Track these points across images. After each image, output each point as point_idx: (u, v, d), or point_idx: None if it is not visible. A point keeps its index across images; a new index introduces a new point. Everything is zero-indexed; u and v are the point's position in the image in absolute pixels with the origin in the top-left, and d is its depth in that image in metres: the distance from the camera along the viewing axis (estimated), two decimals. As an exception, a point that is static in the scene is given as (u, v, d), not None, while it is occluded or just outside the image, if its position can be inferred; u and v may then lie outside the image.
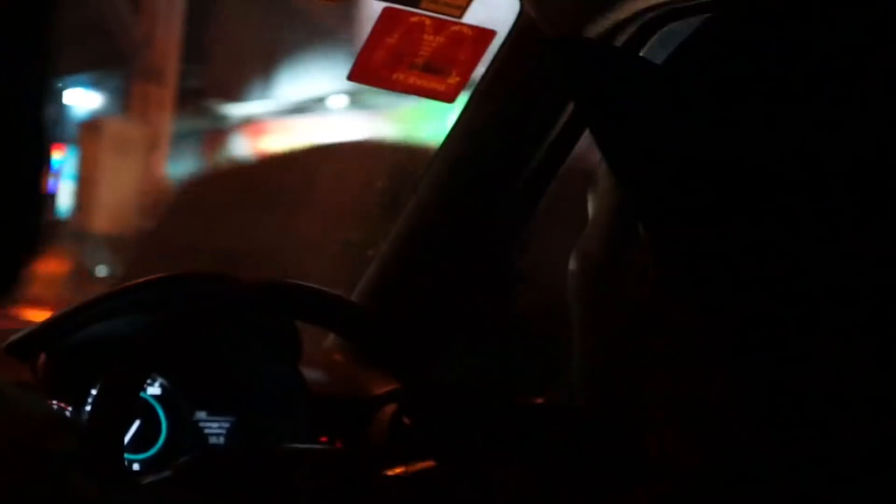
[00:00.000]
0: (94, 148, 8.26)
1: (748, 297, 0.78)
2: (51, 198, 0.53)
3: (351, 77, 1.61)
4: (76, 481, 0.55)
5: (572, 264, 0.91)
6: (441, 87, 1.64)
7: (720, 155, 0.78)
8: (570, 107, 1.71)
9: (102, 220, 7.79)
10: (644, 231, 0.82)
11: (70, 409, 1.58)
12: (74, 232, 7.57)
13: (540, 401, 1.95)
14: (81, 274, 6.97)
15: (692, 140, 0.79)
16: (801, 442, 0.79)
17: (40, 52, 0.52)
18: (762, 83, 0.79)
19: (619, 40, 1.52)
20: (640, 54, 0.90)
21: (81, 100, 8.58)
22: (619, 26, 1.45)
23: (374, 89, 1.66)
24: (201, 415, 1.73)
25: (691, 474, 0.80)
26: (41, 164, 0.51)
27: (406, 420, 1.75)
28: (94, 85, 8.68)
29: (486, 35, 1.60)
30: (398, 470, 1.54)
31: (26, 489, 0.53)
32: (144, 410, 1.68)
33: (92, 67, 8.02)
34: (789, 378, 0.79)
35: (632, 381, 0.87)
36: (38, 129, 0.52)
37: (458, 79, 1.63)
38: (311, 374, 1.77)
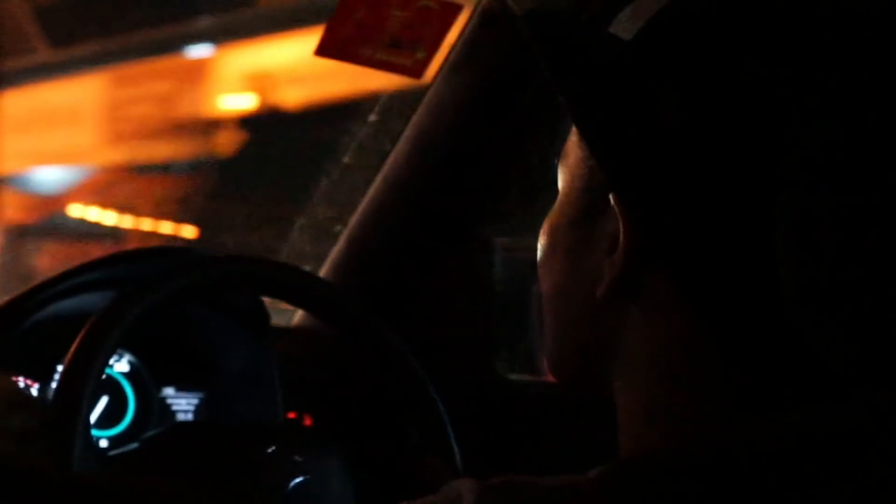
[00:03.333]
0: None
1: (722, 271, 0.79)
2: None
3: (318, 52, 1.60)
4: (36, 457, 0.54)
5: (542, 233, 0.91)
6: (408, 63, 1.64)
7: (687, 125, 0.78)
8: (538, 82, 1.71)
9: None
10: (616, 201, 0.82)
11: (37, 385, 1.58)
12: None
13: (513, 375, 1.95)
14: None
15: (661, 112, 0.79)
16: (774, 418, 0.79)
17: None
18: (729, 55, 0.79)
19: (586, 15, 1.52)
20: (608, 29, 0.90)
21: None
22: (587, 1, 1.45)
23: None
24: (169, 391, 1.73)
25: (658, 451, 0.80)
26: None
27: (377, 396, 1.75)
28: None
29: (452, 9, 1.60)
30: (370, 447, 1.54)
31: None
32: (111, 387, 1.68)
33: None
34: (764, 349, 0.80)
35: (602, 353, 0.87)
36: None
37: (425, 54, 1.62)
38: (279, 348, 1.77)
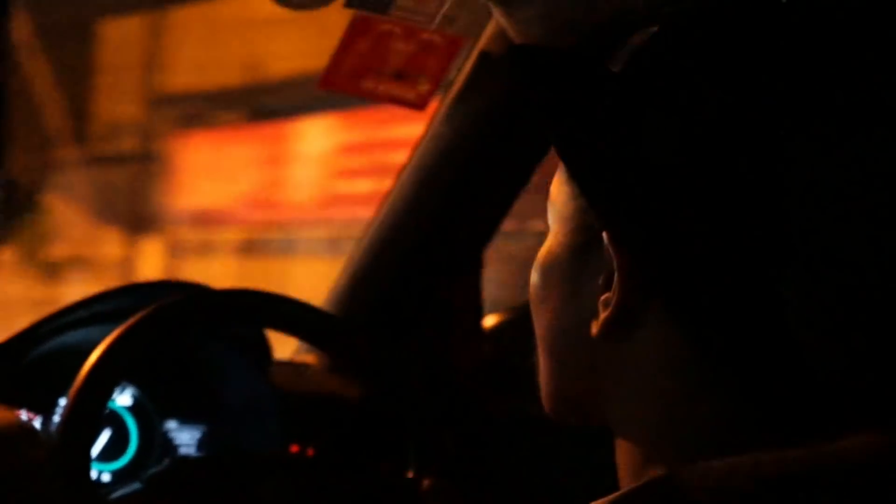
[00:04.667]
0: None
1: (720, 308, 0.78)
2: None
3: (322, 84, 1.61)
4: (43, 492, 0.54)
5: (535, 272, 0.91)
6: (411, 95, 1.64)
7: (690, 162, 0.78)
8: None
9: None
10: (609, 239, 0.82)
11: (39, 419, 1.58)
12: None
13: (513, 409, 1.95)
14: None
15: (650, 147, 0.79)
16: (772, 448, 0.79)
17: None
18: (718, 90, 0.79)
19: (589, 48, 1.52)
20: (609, 63, 0.90)
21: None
22: (590, 35, 1.45)
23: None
24: (171, 424, 1.72)
25: (657, 481, 0.80)
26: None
27: (379, 428, 1.75)
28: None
29: (455, 42, 1.60)
30: (373, 478, 1.54)
31: None
32: (113, 420, 1.68)
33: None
34: (763, 382, 0.79)
35: (598, 388, 0.87)
36: None
37: (427, 86, 1.63)
38: (281, 381, 1.77)
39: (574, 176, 0.84)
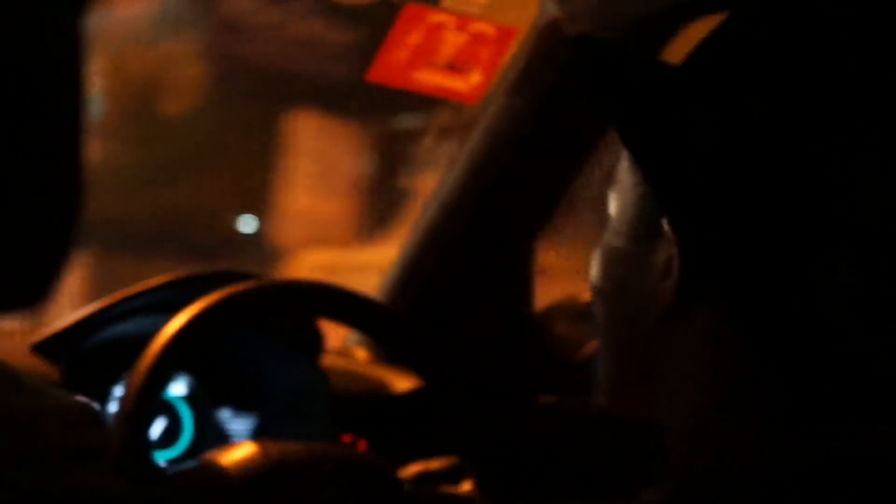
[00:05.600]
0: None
1: (771, 297, 0.78)
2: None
3: (370, 76, 1.61)
4: (106, 475, 0.55)
5: (595, 262, 0.91)
6: (463, 87, 1.64)
7: (743, 153, 0.78)
8: (592, 105, 1.71)
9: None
10: (669, 227, 0.82)
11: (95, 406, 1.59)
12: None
13: (561, 400, 1.95)
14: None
15: (714, 138, 0.79)
16: (819, 445, 0.79)
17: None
18: (781, 81, 0.79)
19: (643, 37, 1.52)
20: (664, 51, 0.90)
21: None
22: (643, 23, 1.44)
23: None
24: (225, 413, 1.73)
25: (705, 474, 0.80)
26: (77, 153, 0.51)
27: (430, 420, 1.75)
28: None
29: (508, 33, 1.60)
30: (422, 470, 1.54)
31: (57, 483, 0.53)
32: (168, 409, 1.69)
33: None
34: (811, 379, 0.79)
35: (654, 378, 0.87)
36: (74, 111, 0.51)
37: (480, 78, 1.63)
38: (333, 372, 1.77)
39: (637, 161, 0.84)
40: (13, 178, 0.49)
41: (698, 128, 0.80)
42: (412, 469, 1.55)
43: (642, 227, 0.86)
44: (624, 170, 0.89)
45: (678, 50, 0.85)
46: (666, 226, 0.82)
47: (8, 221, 0.50)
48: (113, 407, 1.57)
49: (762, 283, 0.78)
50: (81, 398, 1.43)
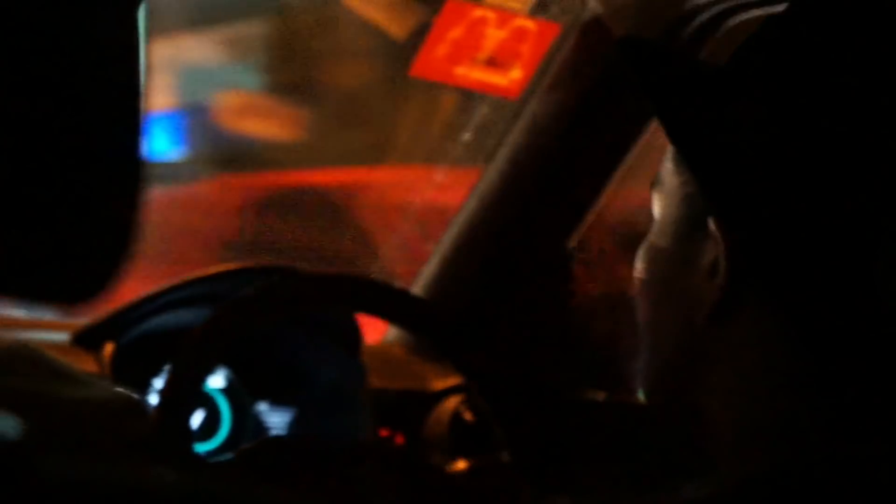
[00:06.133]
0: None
1: (821, 296, 0.78)
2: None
3: (413, 71, 1.61)
4: (154, 466, 0.55)
5: (639, 260, 0.91)
6: (504, 82, 1.64)
7: (791, 150, 0.78)
8: (633, 102, 1.71)
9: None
10: (716, 226, 0.82)
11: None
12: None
13: (602, 395, 1.95)
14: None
15: (759, 136, 0.79)
16: (872, 444, 0.79)
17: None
18: (827, 79, 0.79)
19: (686, 34, 1.52)
20: (707, 48, 0.90)
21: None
22: (686, 20, 1.44)
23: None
24: (263, 406, 1.74)
25: (754, 472, 0.80)
26: (138, 157, 0.51)
27: (468, 414, 1.75)
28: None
29: (549, 29, 1.60)
30: (461, 464, 1.54)
31: (107, 474, 0.53)
32: (207, 401, 1.70)
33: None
34: (861, 377, 0.79)
35: (699, 376, 0.87)
36: (132, 109, 0.52)
37: (520, 73, 1.63)
38: (371, 366, 1.77)
39: (684, 161, 0.84)
40: (74, 174, 0.50)
41: (746, 126, 0.80)
42: (459, 464, 1.55)
43: (687, 228, 0.86)
44: (668, 171, 0.89)
45: (723, 47, 0.85)
46: (713, 226, 0.82)
47: (69, 214, 0.50)
48: (154, 398, 1.58)
49: (812, 282, 0.78)
50: (125, 390, 1.44)
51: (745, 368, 0.83)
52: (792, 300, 0.79)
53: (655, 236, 0.90)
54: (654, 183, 0.90)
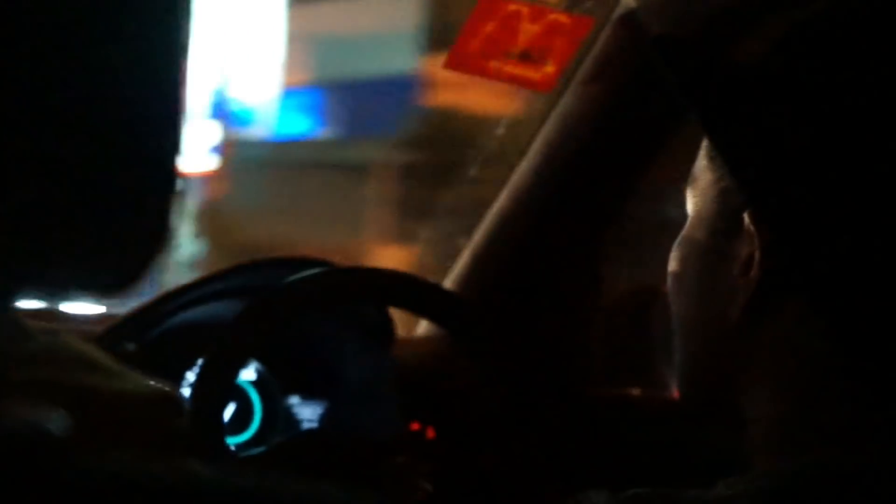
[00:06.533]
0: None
1: (860, 292, 0.78)
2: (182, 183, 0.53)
3: (447, 65, 1.61)
4: (191, 459, 0.55)
5: (674, 256, 0.91)
6: (537, 77, 1.64)
7: (829, 148, 0.78)
8: (667, 97, 1.71)
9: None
10: (753, 222, 0.82)
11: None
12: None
13: (635, 392, 1.94)
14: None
15: (797, 132, 0.79)
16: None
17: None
18: (867, 76, 0.79)
19: (722, 30, 1.51)
20: (743, 45, 0.90)
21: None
22: (721, 16, 1.44)
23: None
24: (294, 400, 1.74)
25: (788, 470, 0.80)
26: (175, 146, 0.51)
27: (498, 409, 1.75)
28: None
29: (583, 23, 1.59)
30: (492, 458, 1.54)
31: (144, 467, 0.53)
32: (238, 394, 1.70)
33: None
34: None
35: (733, 372, 0.86)
36: (172, 99, 0.52)
37: (554, 68, 1.62)
38: (403, 360, 1.78)
39: (722, 154, 0.84)
40: (111, 163, 0.50)
41: (785, 123, 0.80)
42: (490, 458, 1.56)
43: (722, 223, 0.86)
44: (702, 167, 0.89)
45: (760, 44, 0.85)
46: (748, 221, 0.82)
47: (104, 204, 0.50)
48: (186, 391, 1.59)
49: (850, 279, 0.78)
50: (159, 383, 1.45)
51: (780, 365, 0.83)
52: (829, 297, 0.79)
53: (691, 230, 0.90)
54: (690, 180, 0.91)
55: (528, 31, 1.57)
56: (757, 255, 0.81)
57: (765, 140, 0.80)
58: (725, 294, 0.85)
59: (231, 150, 7.71)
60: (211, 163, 7.38)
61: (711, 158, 0.87)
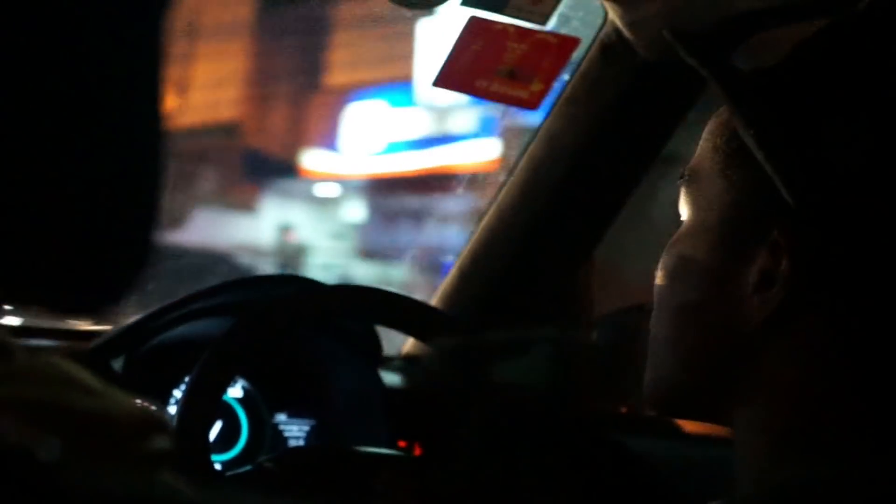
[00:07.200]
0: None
1: (880, 308, 0.78)
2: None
3: (435, 83, 1.61)
4: (174, 480, 0.55)
5: (665, 269, 0.90)
6: (524, 95, 1.64)
7: (868, 164, 0.78)
8: (653, 116, 1.71)
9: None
10: (782, 236, 0.81)
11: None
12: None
13: (624, 409, 1.94)
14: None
15: (842, 149, 0.79)
16: None
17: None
18: (874, 90, 0.79)
19: (713, 42, 1.51)
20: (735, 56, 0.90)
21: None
22: (707, 34, 1.44)
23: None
24: (281, 417, 1.74)
25: (785, 485, 0.80)
26: (157, 163, 0.51)
27: (486, 426, 1.75)
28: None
29: (569, 42, 1.60)
30: (479, 475, 1.54)
31: (126, 488, 0.53)
32: (225, 412, 1.70)
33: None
34: None
35: (732, 385, 0.86)
36: (153, 123, 0.52)
37: (541, 86, 1.62)
38: (390, 378, 1.78)
39: (776, 172, 0.83)
40: (94, 182, 0.50)
41: (831, 138, 0.79)
42: (476, 475, 1.55)
43: (730, 234, 0.85)
44: (708, 171, 0.88)
45: (767, 53, 0.84)
46: (777, 235, 0.81)
47: (85, 222, 0.50)
48: (173, 409, 1.58)
49: (876, 298, 0.78)
50: (145, 402, 1.44)
51: (790, 379, 0.82)
52: (852, 316, 0.79)
53: (687, 238, 0.89)
54: (687, 181, 0.89)
55: (515, 50, 1.57)
56: (785, 269, 0.81)
57: (818, 154, 0.80)
58: (734, 305, 0.84)
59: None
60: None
61: (725, 166, 0.86)
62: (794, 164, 0.80)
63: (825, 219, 0.79)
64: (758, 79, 0.83)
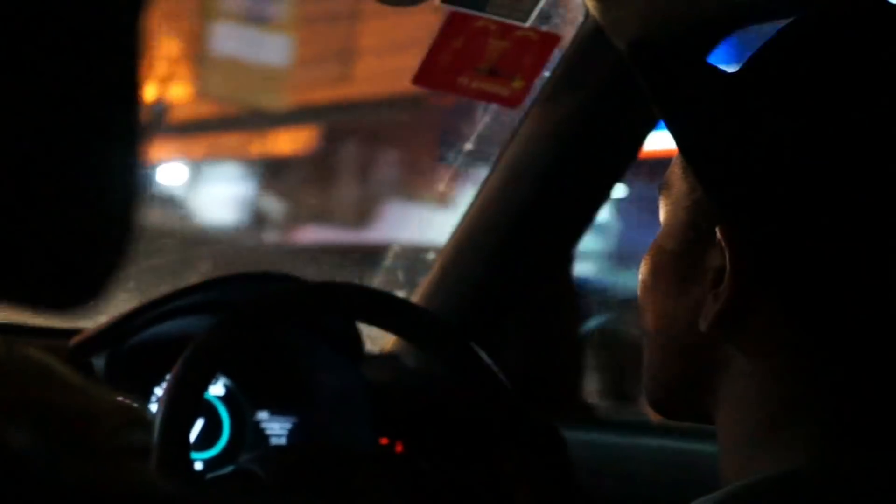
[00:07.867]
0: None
1: (832, 296, 0.78)
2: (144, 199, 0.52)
3: (415, 81, 1.61)
4: (152, 477, 0.55)
5: (644, 264, 0.91)
6: (505, 92, 1.64)
7: (799, 156, 0.78)
8: (634, 112, 1.71)
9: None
10: (725, 236, 0.82)
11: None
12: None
13: (609, 408, 1.95)
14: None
15: (771, 143, 0.79)
16: (886, 449, 0.79)
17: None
18: (839, 87, 0.79)
19: (686, 46, 1.52)
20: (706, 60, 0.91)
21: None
22: (687, 32, 1.45)
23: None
24: (263, 415, 1.74)
25: (768, 479, 0.80)
26: (136, 156, 0.51)
27: (469, 424, 1.76)
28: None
29: (551, 40, 1.60)
30: (462, 473, 1.54)
31: (104, 484, 0.53)
32: (207, 410, 1.70)
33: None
34: (879, 380, 0.79)
35: (705, 383, 0.87)
36: (130, 110, 0.51)
37: (522, 83, 1.63)
38: (372, 375, 1.78)
39: (694, 168, 0.84)
40: (70, 175, 0.49)
41: (759, 133, 0.80)
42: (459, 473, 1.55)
43: (694, 233, 0.86)
44: (676, 176, 0.89)
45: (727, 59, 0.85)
46: (720, 233, 0.82)
47: (60, 215, 0.50)
48: (154, 407, 1.58)
49: (823, 287, 0.78)
50: (125, 398, 1.44)
51: (755, 374, 0.83)
52: (803, 308, 0.79)
53: (660, 242, 0.90)
54: (662, 187, 0.91)
55: (496, 47, 1.57)
56: (728, 266, 0.82)
57: (739, 152, 0.81)
58: (695, 305, 0.85)
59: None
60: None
61: (685, 168, 0.88)
62: (713, 160, 0.81)
63: (754, 213, 0.80)
64: (718, 81, 0.84)
